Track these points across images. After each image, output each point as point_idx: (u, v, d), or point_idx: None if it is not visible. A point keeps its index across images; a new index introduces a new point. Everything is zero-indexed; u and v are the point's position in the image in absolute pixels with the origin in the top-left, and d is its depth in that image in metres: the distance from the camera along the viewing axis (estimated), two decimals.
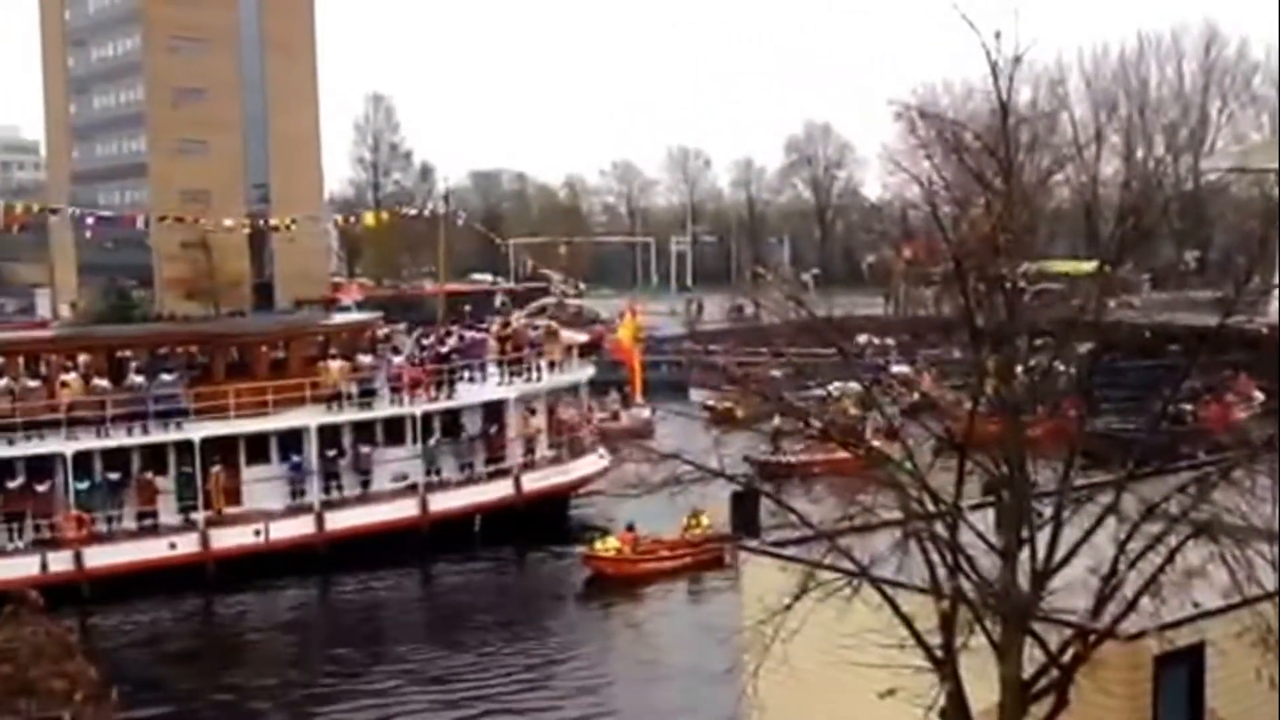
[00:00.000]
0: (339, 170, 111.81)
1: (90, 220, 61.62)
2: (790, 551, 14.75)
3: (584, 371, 41.00)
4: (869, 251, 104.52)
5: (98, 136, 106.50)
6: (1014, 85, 12.35)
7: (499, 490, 35.99)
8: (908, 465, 12.67)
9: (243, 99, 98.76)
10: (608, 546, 32.48)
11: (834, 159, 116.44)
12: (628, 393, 54.29)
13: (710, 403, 54.86)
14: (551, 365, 39.55)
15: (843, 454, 31.27)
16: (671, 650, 27.66)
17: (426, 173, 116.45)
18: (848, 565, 12.61)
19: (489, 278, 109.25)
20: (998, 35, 12.00)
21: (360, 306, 75.44)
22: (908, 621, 12.41)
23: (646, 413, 51.67)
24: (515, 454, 36.78)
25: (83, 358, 32.91)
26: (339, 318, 47.55)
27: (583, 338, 46.51)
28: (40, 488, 29.96)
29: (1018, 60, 12.17)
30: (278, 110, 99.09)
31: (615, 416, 51.80)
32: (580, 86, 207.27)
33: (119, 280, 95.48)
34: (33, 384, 30.83)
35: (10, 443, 29.78)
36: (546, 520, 35.83)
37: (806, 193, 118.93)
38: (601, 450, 40.26)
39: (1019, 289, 12.47)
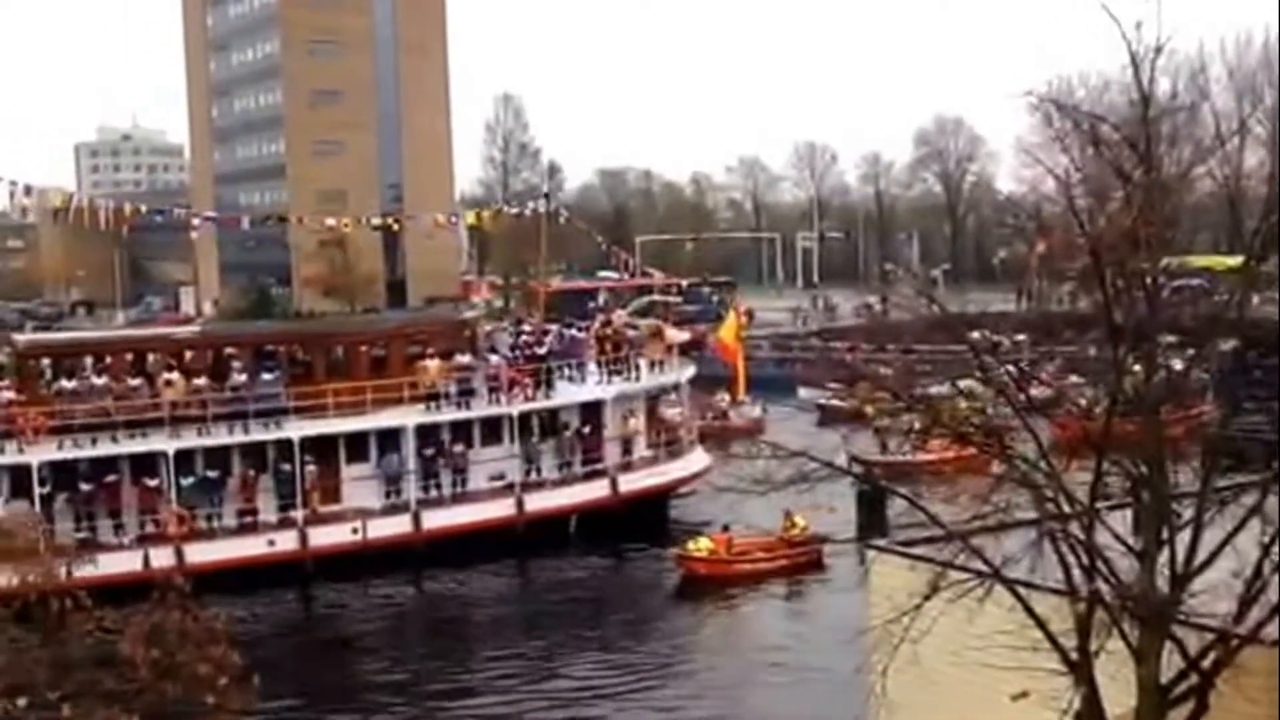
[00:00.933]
0: (470, 169, 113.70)
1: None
2: (920, 551, 14.59)
3: (684, 371, 40.51)
4: (1001, 246, 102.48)
5: (238, 139, 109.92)
6: (1154, 76, 12.04)
7: (595, 491, 35.76)
8: (1042, 465, 12.44)
9: (377, 100, 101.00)
10: (701, 548, 31.98)
11: (965, 152, 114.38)
12: (738, 391, 54.10)
13: (821, 401, 54.48)
14: (652, 365, 39.22)
15: (951, 453, 30.72)
16: (765, 653, 27.33)
17: (554, 171, 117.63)
18: (979, 566, 12.43)
19: (615, 276, 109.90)
20: (1138, 25, 11.72)
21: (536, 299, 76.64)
22: (1041, 624, 12.20)
23: (757, 411, 51.33)
24: (612, 454, 36.60)
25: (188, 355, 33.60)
26: (469, 313, 48.08)
27: (684, 336, 46.10)
28: (143, 485, 30.56)
29: (1158, 50, 11.88)
30: (411, 111, 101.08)
31: (724, 415, 51.57)
32: (706, 83, 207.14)
33: (259, 278, 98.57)
34: (135, 383, 31.36)
35: (115, 440, 30.42)
36: (644, 521, 35.51)
37: (936, 187, 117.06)
38: (701, 450, 39.88)
39: (1159, 284, 12.14)
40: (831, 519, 31.93)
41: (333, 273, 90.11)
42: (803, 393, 58.03)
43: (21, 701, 8.03)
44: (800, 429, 43.24)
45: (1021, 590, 12.33)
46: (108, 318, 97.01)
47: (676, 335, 43.16)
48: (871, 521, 29.67)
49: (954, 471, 23.90)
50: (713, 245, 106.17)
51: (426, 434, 33.92)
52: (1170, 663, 11.97)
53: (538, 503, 34.55)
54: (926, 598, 12.36)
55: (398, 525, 32.89)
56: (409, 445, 33.48)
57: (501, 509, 34.15)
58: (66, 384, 30.70)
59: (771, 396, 54.27)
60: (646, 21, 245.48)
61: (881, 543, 17.60)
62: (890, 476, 35.89)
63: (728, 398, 52.69)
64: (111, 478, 30.18)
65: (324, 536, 31.73)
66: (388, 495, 33.47)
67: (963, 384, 14.74)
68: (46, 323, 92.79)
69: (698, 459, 39.36)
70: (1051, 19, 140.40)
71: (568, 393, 36.67)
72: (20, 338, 29.20)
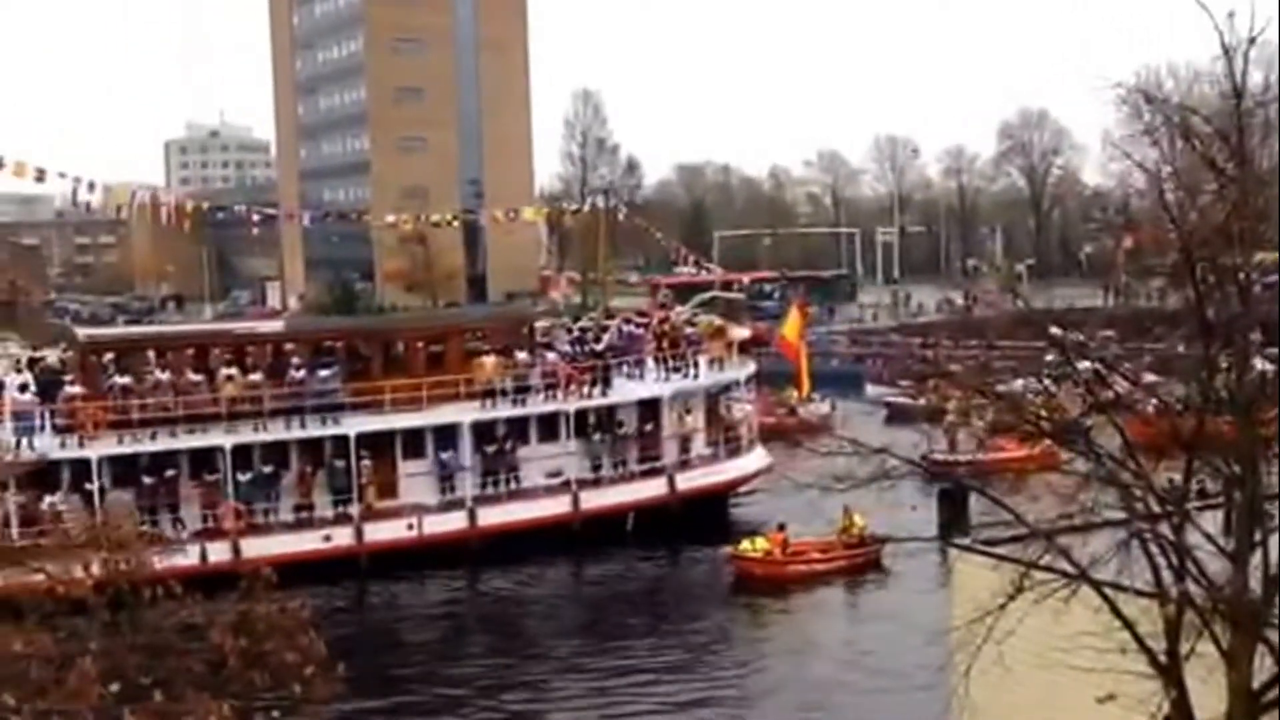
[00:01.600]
0: (549, 165, 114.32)
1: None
2: (1004, 550, 14.40)
3: (744, 369, 40.10)
4: (1087, 242, 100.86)
5: (323, 135, 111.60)
6: (1247, 67, 11.78)
7: (652, 489, 35.55)
8: (1130, 464, 12.22)
9: (458, 97, 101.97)
10: (756, 548, 31.50)
11: (1050, 146, 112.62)
12: (805, 387, 53.78)
13: (889, 399, 53.91)
14: (712, 362, 38.87)
15: (1022, 452, 30.20)
16: (829, 654, 27.20)
17: (632, 167, 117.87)
18: (1065, 566, 12.24)
19: (692, 270, 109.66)
20: (1230, 16, 11.48)
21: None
22: (1130, 625, 11.99)
23: (825, 408, 51.01)
24: (670, 452, 36.36)
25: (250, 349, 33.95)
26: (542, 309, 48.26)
27: (744, 333, 45.72)
28: (202, 480, 30.93)
29: (1252, 41, 11.62)
30: (491, 108, 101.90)
31: (792, 412, 51.25)
32: (785, 76, 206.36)
33: (343, 273, 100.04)
34: (194, 378, 31.68)
35: (174, 435, 30.79)
36: (703, 519, 35.14)
37: (1021, 181, 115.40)
38: (761, 449, 39.53)
39: (1252, 280, 11.87)
40: (899, 518, 31.64)
41: (414, 268, 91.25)
42: (871, 390, 57.63)
43: (114, 686, 8.23)
44: (869, 427, 42.81)
45: (1109, 591, 12.13)
46: (196, 312, 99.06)
47: (736, 332, 42.70)
48: (953, 520, 29.32)
49: (1022, 471, 23.60)
50: (791, 240, 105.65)
51: (483, 430, 34.00)
52: (1263, 666, 11.71)
53: (594, 500, 34.47)
54: (1011, 598, 12.20)
55: (453, 522, 32.97)
56: (465, 442, 33.57)
57: (557, 506, 34.09)
58: (126, 379, 31.12)
59: (839, 393, 53.88)
60: (726, 14, 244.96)
61: (965, 542, 17.40)
62: (959, 476, 35.53)
63: (796, 395, 52.46)
64: (171, 472, 30.58)
65: (379, 532, 31.89)
66: (443, 491, 33.56)
67: (1020, 383, 14.59)
68: (137, 316, 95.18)
69: (758, 457, 38.98)
70: (1140, 9, 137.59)
71: (625, 390, 36.49)
72: (83, 332, 29.64)
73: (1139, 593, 12.20)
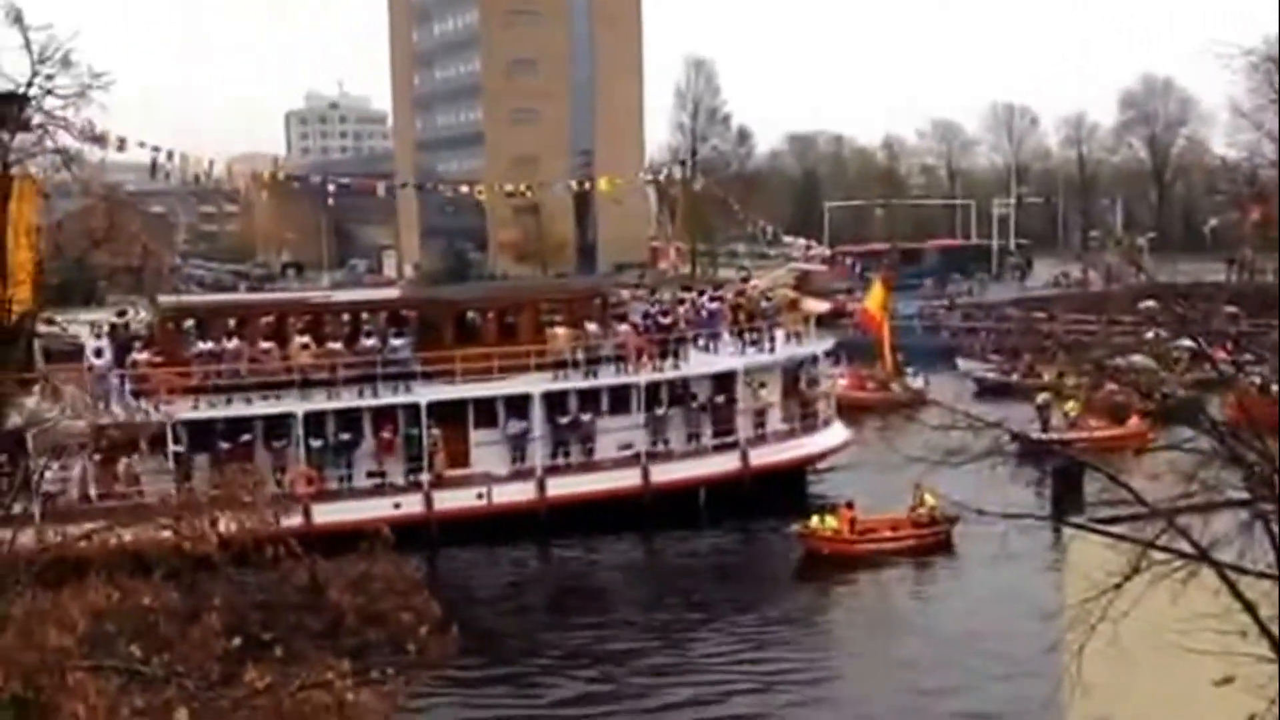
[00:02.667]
0: (659, 135, 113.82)
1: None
2: (1121, 529, 14.11)
3: (821, 343, 39.72)
4: (1212, 214, 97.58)
5: (439, 107, 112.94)
6: None
7: (725, 463, 35.34)
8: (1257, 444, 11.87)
9: (571, 68, 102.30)
10: (826, 525, 31.28)
11: (1175, 115, 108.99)
12: (897, 362, 53.16)
13: (978, 374, 52.94)
14: (789, 336, 38.55)
15: (1112, 431, 29.17)
16: (893, 636, 27.02)
17: (744, 137, 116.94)
18: (1185, 546, 11.96)
19: (801, 242, 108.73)
20: None
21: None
22: (1251, 608, 11.69)
23: (919, 383, 50.27)
24: (745, 426, 36.03)
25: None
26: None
27: (823, 307, 45.03)
28: (274, 446, 31.44)
29: None
30: (603, 78, 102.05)
31: (885, 387, 50.62)
32: (900, 45, 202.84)
33: (457, 243, 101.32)
34: (267, 345, 32.29)
35: (249, 402, 31.45)
36: (778, 495, 34.72)
37: (1143, 152, 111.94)
38: (840, 424, 39.15)
39: None
40: (1012, 496, 30.95)
41: (526, 238, 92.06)
42: (961, 364, 56.70)
43: (236, 641, 8.52)
44: (958, 403, 42.10)
45: (1230, 573, 11.83)
46: (315, 280, 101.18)
47: (813, 305, 42.25)
48: (1068, 498, 28.77)
49: (1114, 449, 23.04)
50: (904, 212, 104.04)
51: (554, 401, 34.14)
52: None
53: (664, 474, 34.39)
54: (1127, 577, 11.98)
55: (523, 492, 33.19)
56: (536, 412, 33.74)
57: (627, 479, 34.09)
58: (203, 345, 31.84)
59: (930, 368, 53.14)
60: None
61: (1080, 520, 17.07)
62: (1049, 453, 34.71)
63: (889, 369, 51.94)
64: (245, 438, 31.08)
65: (449, 500, 32.19)
66: (514, 461, 33.80)
67: (1135, 358, 14.21)
68: (258, 284, 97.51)
69: (836, 433, 38.67)
70: None
71: (699, 363, 36.33)
72: (162, 299, 30.11)
73: (1261, 575, 11.89)
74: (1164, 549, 12.12)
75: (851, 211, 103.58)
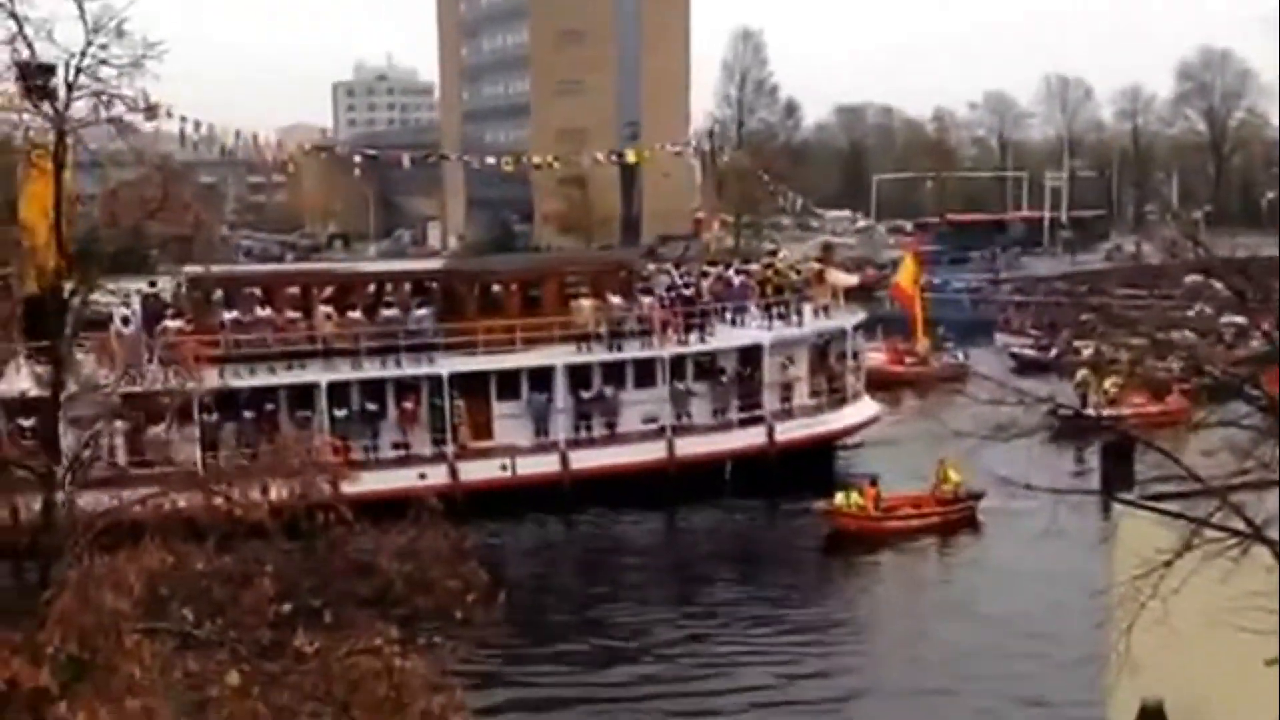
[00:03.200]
0: (705, 107, 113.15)
1: None
2: (1173, 506, 13.95)
3: (851, 317, 39.13)
4: (1270, 188, 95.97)
5: (485, 78, 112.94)
6: None
7: (750, 438, 34.91)
8: None
9: (618, 40, 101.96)
10: (851, 502, 30.86)
11: (1233, 87, 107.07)
12: (931, 336, 52.85)
13: (1015, 349, 52.50)
14: (817, 310, 38.08)
15: (1152, 408, 28.60)
16: (921, 614, 26.70)
17: (791, 109, 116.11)
18: (1238, 524, 11.80)
19: (848, 214, 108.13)
20: None
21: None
22: None
23: (959, 357, 49.84)
24: (771, 401, 35.58)
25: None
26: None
27: (852, 280, 44.53)
28: (299, 415, 31.22)
29: None
30: (649, 50, 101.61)
31: (924, 362, 50.31)
32: (952, 16, 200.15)
33: (502, 214, 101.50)
34: (292, 315, 32.18)
35: (272, 371, 31.36)
36: (806, 471, 34.19)
37: (1200, 124, 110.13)
38: (869, 399, 38.70)
39: None
40: (1059, 468, 30.72)
41: (571, 210, 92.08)
42: (1000, 339, 56.15)
43: (287, 606, 8.61)
44: (1000, 378, 41.75)
45: None
46: (361, 250, 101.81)
47: (842, 278, 41.76)
48: (1119, 474, 28.46)
49: (1154, 425, 22.69)
50: (954, 184, 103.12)
51: (577, 374, 33.90)
52: None
53: (689, 447, 34.05)
54: (1178, 554, 11.83)
55: (546, 464, 33.04)
56: (559, 384, 33.56)
57: (652, 452, 33.86)
58: (228, 315, 31.78)
59: (968, 343, 52.66)
60: None
61: (1130, 497, 16.89)
62: (1090, 430, 34.41)
63: (928, 344, 51.68)
64: (269, 407, 31.03)
65: (474, 472, 31.97)
66: (538, 434, 33.60)
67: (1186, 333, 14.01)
68: (305, 255, 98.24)
69: (865, 408, 38.13)
70: None
71: (725, 336, 35.95)
72: (189, 269, 30.15)
73: None
74: (1217, 526, 11.97)
75: (900, 184, 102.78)
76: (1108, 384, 39.63)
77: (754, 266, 40.09)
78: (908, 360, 49.86)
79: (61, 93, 8.62)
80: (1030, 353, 51.51)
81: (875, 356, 50.58)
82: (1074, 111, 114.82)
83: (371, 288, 35.02)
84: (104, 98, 8.54)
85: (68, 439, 9.67)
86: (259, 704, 7.67)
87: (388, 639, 8.27)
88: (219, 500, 9.05)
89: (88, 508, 8.93)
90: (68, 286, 9.24)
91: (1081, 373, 40.49)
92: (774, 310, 36.92)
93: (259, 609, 8.49)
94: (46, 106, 8.68)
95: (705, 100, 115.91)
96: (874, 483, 31.64)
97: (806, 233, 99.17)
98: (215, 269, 30.32)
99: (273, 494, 8.88)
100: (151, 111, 8.67)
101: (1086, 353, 50.54)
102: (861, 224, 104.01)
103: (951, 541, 30.90)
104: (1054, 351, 50.77)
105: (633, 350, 34.52)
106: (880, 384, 48.08)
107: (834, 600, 28.26)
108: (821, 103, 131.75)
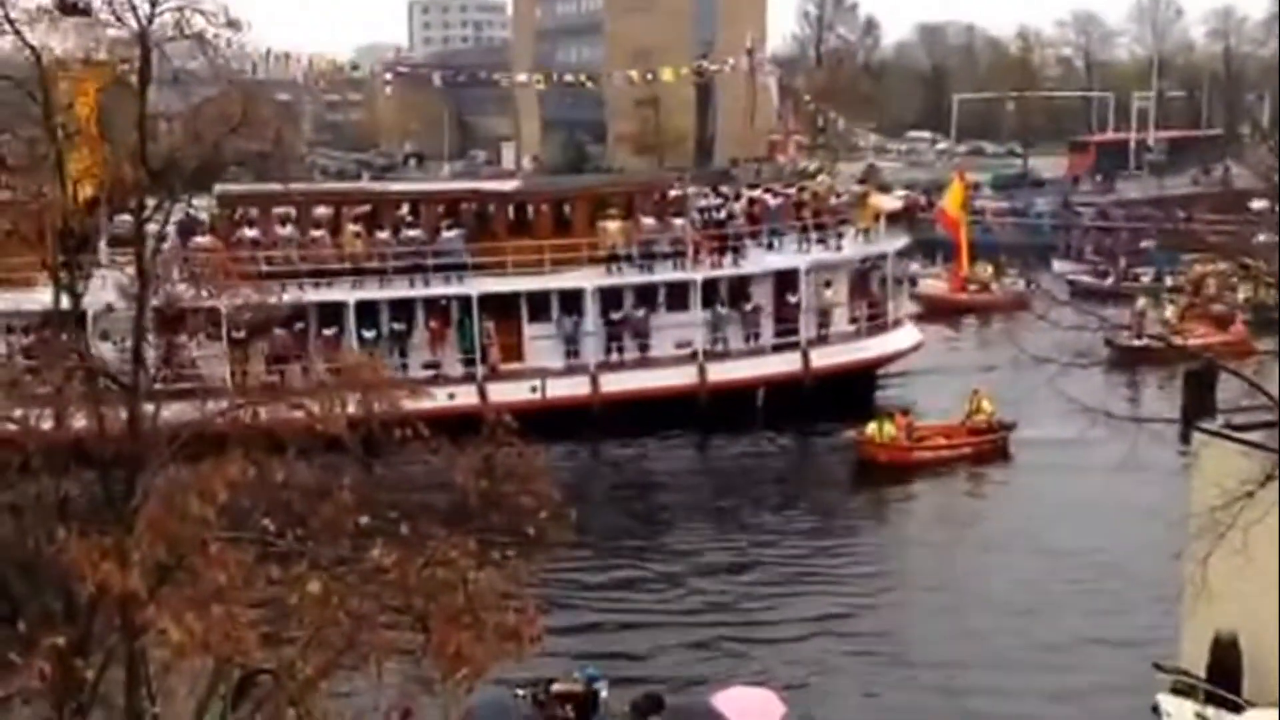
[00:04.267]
0: (783, 25, 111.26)
1: None
2: (1256, 436, 13.70)
3: (892, 242, 38.15)
4: None
5: None
6: None
7: (784, 364, 34.49)
8: None
9: None
10: (883, 432, 30.58)
11: None
12: (1001, 263, 52.03)
13: (1071, 277, 51.66)
14: (859, 234, 37.36)
15: (1213, 338, 28.07)
16: (950, 543, 26.44)
17: (871, 27, 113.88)
18: None
19: (927, 136, 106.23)
20: None
21: None
22: None
23: (1021, 285, 48.94)
24: (807, 327, 35.07)
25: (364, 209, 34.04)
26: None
27: (895, 204, 43.64)
28: (327, 334, 31.38)
29: None
30: None
31: (986, 289, 49.62)
32: None
33: (576, 134, 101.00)
34: (317, 233, 32.13)
35: (301, 290, 30.94)
36: (845, 399, 33.65)
37: None
38: (911, 326, 38.04)
39: None
40: (1145, 398, 30.27)
41: (645, 131, 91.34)
42: (1057, 266, 55.18)
43: (365, 519, 8.75)
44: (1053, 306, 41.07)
45: None
46: (435, 170, 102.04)
47: (884, 202, 40.92)
48: (1200, 403, 27.99)
49: (1217, 356, 22.27)
50: (1036, 105, 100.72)
51: (608, 297, 33.67)
52: None
53: (721, 373, 33.75)
54: (1261, 485, 11.65)
55: (576, 386, 32.98)
56: (589, 307, 33.38)
57: (683, 377, 33.62)
58: (253, 233, 31.80)
59: (1032, 269, 51.58)
60: None
61: (1213, 426, 16.61)
62: (1145, 361, 33.92)
63: (991, 270, 51.01)
64: (299, 326, 30.97)
65: (503, 393, 31.72)
66: (568, 356, 33.48)
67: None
68: (380, 174, 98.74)
69: (906, 335, 37.48)
70: None
71: (760, 260, 35.38)
72: (220, 187, 30.07)
73: None
74: None
75: (982, 105, 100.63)
76: (1169, 313, 38.98)
77: (792, 190, 39.38)
78: (970, 288, 49.33)
79: (145, 7, 8.66)
80: (1087, 280, 50.74)
81: (937, 284, 50.09)
82: (1164, 31, 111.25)
83: (403, 208, 34.88)
84: (186, 13, 8.57)
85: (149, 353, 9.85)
86: (339, 612, 7.85)
87: (464, 551, 8.38)
88: (298, 414, 9.18)
89: (171, 419, 9.11)
90: (150, 202, 9.33)
91: (1140, 301, 39.83)
92: (813, 234, 36.27)
93: (338, 520, 8.65)
94: (130, 20, 8.73)
95: (783, 18, 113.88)
96: (906, 412, 31.52)
97: (886, 155, 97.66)
98: (243, 187, 30.24)
99: (349, 409, 9.00)
100: (234, 26, 8.68)
101: (1145, 279, 50.01)
102: (941, 146, 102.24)
103: (981, 472, 30.72)
104: (1110, 279, 50.05)
105: (665, 273, 34.16)
106: (942, 311, 47.70)
107: (862, 530, 28.15)
108: (902, 21, 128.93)
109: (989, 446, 31.12)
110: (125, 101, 8.99)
